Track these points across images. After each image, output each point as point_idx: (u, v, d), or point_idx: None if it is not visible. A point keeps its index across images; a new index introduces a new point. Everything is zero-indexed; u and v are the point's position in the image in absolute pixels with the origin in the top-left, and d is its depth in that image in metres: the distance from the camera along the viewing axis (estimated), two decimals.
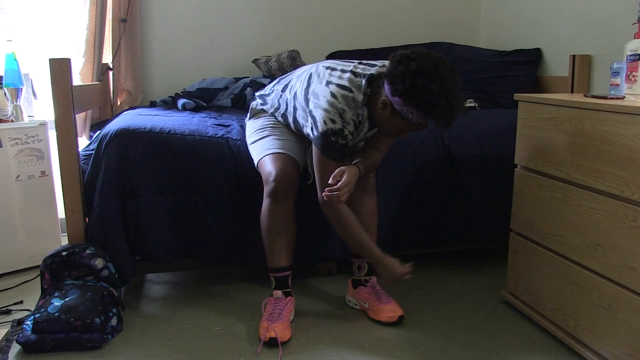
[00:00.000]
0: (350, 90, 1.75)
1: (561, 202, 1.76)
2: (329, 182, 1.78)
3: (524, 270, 1.98)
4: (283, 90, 1.99)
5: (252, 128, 2.08)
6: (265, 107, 2.10)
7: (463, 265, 2.51)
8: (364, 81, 1.75)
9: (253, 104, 2.16)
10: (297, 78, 1.95)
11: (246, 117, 2.21)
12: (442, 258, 2.57)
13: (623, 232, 1.52)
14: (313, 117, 1.78)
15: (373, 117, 1.80)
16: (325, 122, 1.73)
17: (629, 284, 1.51)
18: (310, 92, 1.83)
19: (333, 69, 1.81)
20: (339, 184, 1.76)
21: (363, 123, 1.81)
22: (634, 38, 1.89)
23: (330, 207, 1.82)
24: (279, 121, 2.04)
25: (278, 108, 2.02)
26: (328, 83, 1.78)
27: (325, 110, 1.74)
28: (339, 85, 1.76)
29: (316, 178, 1.86)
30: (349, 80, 1.76)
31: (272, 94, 2.06)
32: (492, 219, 2.31)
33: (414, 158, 2.24)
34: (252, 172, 2.03)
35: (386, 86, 1.69)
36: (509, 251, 2.07)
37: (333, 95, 1.74)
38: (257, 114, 2.12)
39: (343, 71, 1.79)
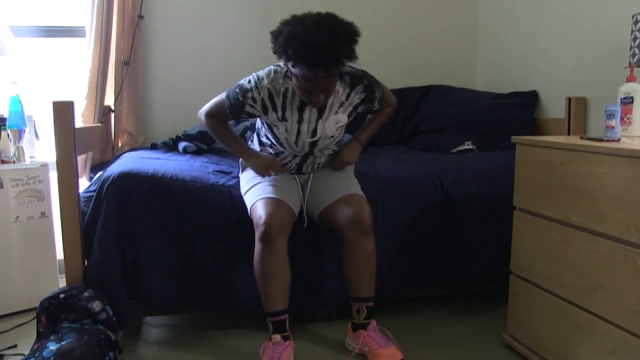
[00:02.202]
0: (277, 65, 1.93)
1: (560, 244, 1.76)
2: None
3: (525, 312, 1.96)
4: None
5: (245, 179, 2.13)
6: (252, 146, 2.17)
7: (464, 308, 2.49)
8: None
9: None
10: None
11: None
12: (443, 300, 2.55)
13: (623, 275, 1.51)
14: None
15: None
16: (242, 80, 1.95)
17: (631, 328, 1.49)
18: None
19: None
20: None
21: (292, 96, 1.91)
22: (627, 82, 1.93)
23: (206, 122, 2.07)
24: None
25: (259, 134, 2.14)
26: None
27: (249, 76, 1.95)
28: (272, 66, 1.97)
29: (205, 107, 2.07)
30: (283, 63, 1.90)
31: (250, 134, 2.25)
32: (492, 260, 2.29)
33: (413, 201, 2.25)
34: (251, 220, 2.03)
35: None
36: (509, 293, 2.05)
37: (262, 70, 1.96)
38: (247, 165, 2.17)
39: None
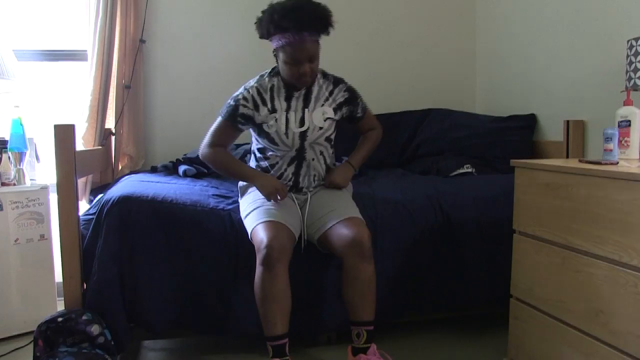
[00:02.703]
0: (264, 71, 2.15)
1: (560, 267, 1.75)
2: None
3: (526, 336, 1.95)
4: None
5: (245, 203, 2.14)
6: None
7: (464, 331, 2.47)
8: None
9: (240, 182, 2.23)
10: None
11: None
12: (443, 324, 2.53)
13: (624, 299, 1.50)
14: None
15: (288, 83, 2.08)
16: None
17: (634, 352, 1.48)
18: None
19: None
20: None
21: (278, 89, 2.10)
22: (624, 105, 1.95)
23: (207, 154, 2.16)
24: None
25: (254, 151, 2.21)
26: None
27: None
28: None
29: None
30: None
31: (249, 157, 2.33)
32: (492, 283, 2.28)
33: (412, 224, 2.25)
34: (251, 245, 2.02)
35: None
36: (510, 317, 2.04)
37: None
38: (246, 189, 2.19)
39: None
